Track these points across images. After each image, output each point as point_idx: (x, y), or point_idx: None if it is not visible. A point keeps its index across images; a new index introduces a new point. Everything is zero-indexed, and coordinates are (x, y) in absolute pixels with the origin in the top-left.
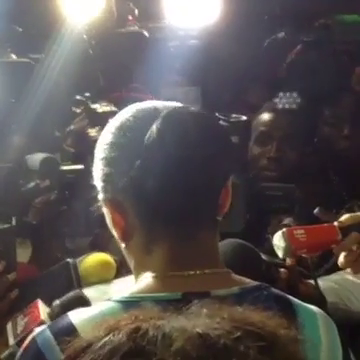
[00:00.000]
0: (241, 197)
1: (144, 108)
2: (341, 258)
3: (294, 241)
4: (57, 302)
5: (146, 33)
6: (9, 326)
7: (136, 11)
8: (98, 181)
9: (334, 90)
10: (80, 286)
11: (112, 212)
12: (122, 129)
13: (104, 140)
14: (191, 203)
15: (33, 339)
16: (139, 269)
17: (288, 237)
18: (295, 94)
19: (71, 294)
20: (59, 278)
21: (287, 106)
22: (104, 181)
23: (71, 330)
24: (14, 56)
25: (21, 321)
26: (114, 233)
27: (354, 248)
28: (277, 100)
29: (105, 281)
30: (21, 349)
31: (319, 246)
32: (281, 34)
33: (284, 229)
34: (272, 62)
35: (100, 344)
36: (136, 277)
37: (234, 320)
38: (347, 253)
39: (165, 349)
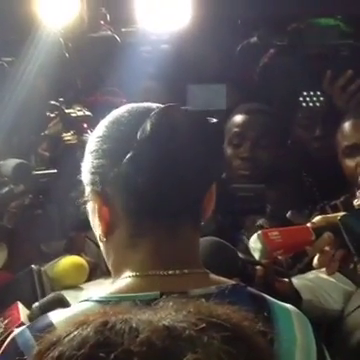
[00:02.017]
0: None
1: (139, 106)
2: (315, 259)
3: (270, 243)
4: (37, 304)
5: (118, 38)
6: None
7: (108, 16)
8: (87, 174)
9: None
10: (43, 292)
11: (99, 205)
12: (115, 123)
13: (97, 133)
14: (179, 198)
15: (13, 339)
16: (119, 266)
17: (264, 239)
18: (319, 92)
19: (50, 296)
20: (23, 285)
21: (311, 104)
22: (93, 173)
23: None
24: None
25: (1, 323)
26: (96, 230)
27: (327, 249)
28: (301, 99)
29: (78, 283)
30: (1, 350)
31: (294, 247)
32: (254, 38)
33: (259, 231)
34: (245, 66)
35: (69, 338)
36: (115, 275)
37: (199, 313)
38: (321, 254)
39: (131, 340)
